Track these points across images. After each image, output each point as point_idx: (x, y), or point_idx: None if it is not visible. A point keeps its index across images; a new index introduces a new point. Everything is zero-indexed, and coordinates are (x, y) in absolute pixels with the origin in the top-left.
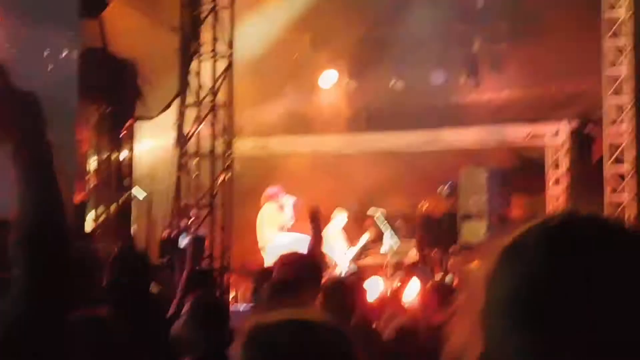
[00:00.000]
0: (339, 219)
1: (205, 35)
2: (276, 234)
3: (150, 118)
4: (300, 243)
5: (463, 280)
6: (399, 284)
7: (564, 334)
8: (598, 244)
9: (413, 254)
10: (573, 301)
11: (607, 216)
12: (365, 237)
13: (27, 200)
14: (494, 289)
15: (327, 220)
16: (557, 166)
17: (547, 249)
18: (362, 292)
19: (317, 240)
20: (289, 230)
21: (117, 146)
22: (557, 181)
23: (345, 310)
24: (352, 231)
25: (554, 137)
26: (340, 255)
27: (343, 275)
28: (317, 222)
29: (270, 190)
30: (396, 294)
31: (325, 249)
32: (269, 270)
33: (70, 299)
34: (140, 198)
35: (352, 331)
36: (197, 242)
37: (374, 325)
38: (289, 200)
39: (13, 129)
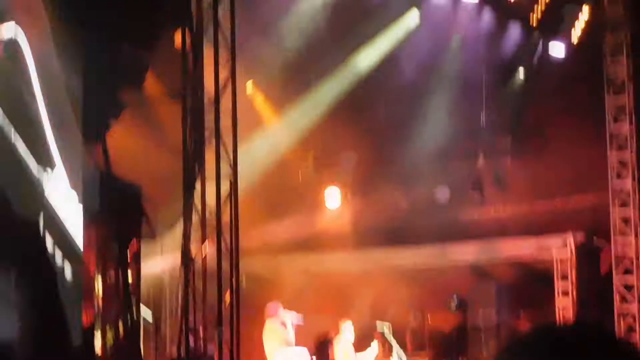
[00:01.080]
0: (347, 329)
1: (209, 156)
2: (279, 348)
3: (155, 238)
4: (300, 357)
5: None
6: None
7: None
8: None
9: None
10: None
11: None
12: (374, 347)
13: (29, 327)
14: None
15: (335, 332)
16: (564, 278)
17: (542, 349)
18: None
19: None
20: (291, 344)
21: (123, 268)
22: (565, 293)
23: None
24: (359, 346)
25: (561, 249)
26: None
27: None
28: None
29: (269, 306)
30: None
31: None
32: None
33: None
34: (148, 318)
35: None
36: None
37: None
38: (290, 317)
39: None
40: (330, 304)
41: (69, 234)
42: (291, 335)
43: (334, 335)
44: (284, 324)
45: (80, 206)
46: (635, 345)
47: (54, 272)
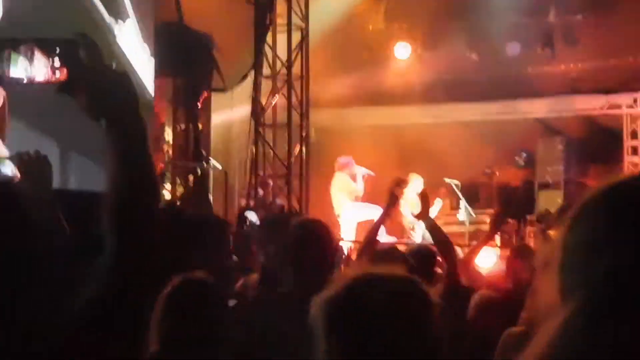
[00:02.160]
0: (416, 183)
1: (280, 7)
2: (348, 202)
3: (226, 90)
4: (377, 215)
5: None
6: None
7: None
8: None
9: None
10: (629, 250)
11: None
12: (438, 203)
13: (121, 175)
14: (568, 238)
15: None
16: (634, 135)
17: (616, 202)
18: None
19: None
20: (359, 200)
21: (194, 118)
22: (634, 150)
23: (431, 274)
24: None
25: (631, 107)
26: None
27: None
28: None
29: (341, 159)
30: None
31: (403, 211)
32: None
33: (159, 272)
34: (217, 169)
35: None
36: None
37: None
38: (360, 171)
39: (108, 106)
40: (399, 159)
41: (142, 83)
42: (360, 188)
43: (403, 186)
44: (353, 178)
45: (152, 59)
46: None
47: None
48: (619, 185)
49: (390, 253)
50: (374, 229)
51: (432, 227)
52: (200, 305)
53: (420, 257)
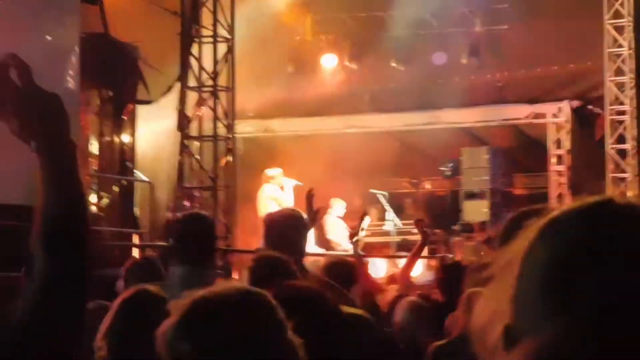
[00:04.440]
0: (337, 208)
1: (206, 18)
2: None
3: (152, 102)
4: None
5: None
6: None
7: (585, 303)
8: (633, 229)
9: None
10: (600, 279)
11: None
12: (367, 221)
13: (49, 196)
14: (529, 263)
15: (326, 207)
16: (559, 145)
17: (583, 227)
18: (364, 267)
19: (311, 218)
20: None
21: (119, 130)
22: (559, 159)
23: (346, 284)
24: (354, 213)
25: (556, 115)
26: (344, 240)
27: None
28: (310, 202)
29: (269, 171)
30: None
31: (329, 236)
32: None
33: (89, 290)
34: (144, 181)
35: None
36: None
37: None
38: (289, 182)
39: (37, 128)
40: (327, 169)
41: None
42: (290, 199)
43: (323, 212)
44: (282, 189)
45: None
46: None
47: None
48: (596, 206)
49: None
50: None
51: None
52: (152, 314)
53: (336, 269)
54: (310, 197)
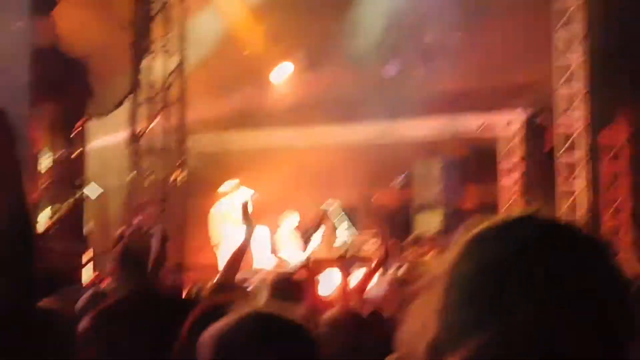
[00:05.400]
0: (291, 220)
1: (157, 31)
2: (232, 229)
3: (102, 116)
4: (259, 237)
5: (418, 271)
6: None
7: (511, 318)
8: (550, 242)
9: (369, 247)
10: (521, 289)
11: (562, 220)
12: (320, 233)
13: None
14: (455, 275)
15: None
16: (510, 156)
17: (505, 242)
18: (312, 284)
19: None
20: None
21: (69, 144)
22: (510, 171)
23: (292, 302)
24: (307, 225)
25: (507, 127)
26: (296, 255)
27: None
28: (246, 214)
29: (222, 188)
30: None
31: (280, 253)
32: None
33: (35, 303)
34: (93, 197)
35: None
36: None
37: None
38: (243, 195)
39: None
40: (280, 182)
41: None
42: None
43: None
44: (237, 202)
45: None
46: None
47: None
48: (517, 222)
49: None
50: (235, 256)
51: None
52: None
53: (278, 284)
54: (244, 207)
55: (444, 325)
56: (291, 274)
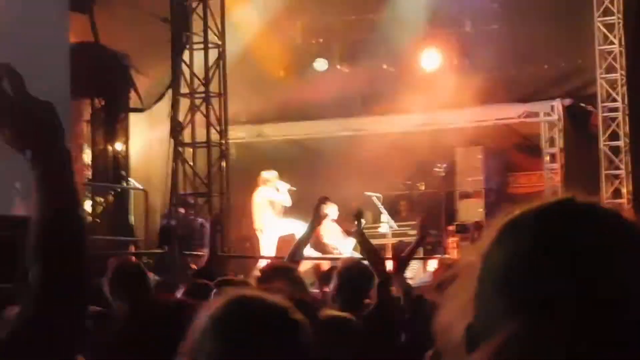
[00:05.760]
0: (331, 211)
1: (196, 25)
2: (272, 216)
3: (144, 110)
4: (300, 229)
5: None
6: None
7: (544, 308)
8: (589, 229)
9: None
10: (556, 278)
11: (604, 205)
12: (362, 223)
13: (45, 205)
14: (488, 263)
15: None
16: (552, 143)
17: (539, 228)
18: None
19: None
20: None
21: (112, 138)
22: (553, 158)
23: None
24: (349, 216)
25: (548, 114)
26: (340, 244)
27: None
28: (319, 207)
29: (265, 174)
30: None
31: (325, 240)
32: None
33: (86, 300)
34: (137, 188)
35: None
36: (217, 224)
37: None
38: (283, 185)
39: (31, 137)
40: (320, 173)
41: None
42: (287, 199)
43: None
44: (277, 191)
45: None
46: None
47: None
48: (554, 207)
49: (283, 270)
50: (299, 245)
51: (364, 241)
52: None
53: (357, 271)
54: (322, 201)
55: (478, 313)
56: (359, 260)
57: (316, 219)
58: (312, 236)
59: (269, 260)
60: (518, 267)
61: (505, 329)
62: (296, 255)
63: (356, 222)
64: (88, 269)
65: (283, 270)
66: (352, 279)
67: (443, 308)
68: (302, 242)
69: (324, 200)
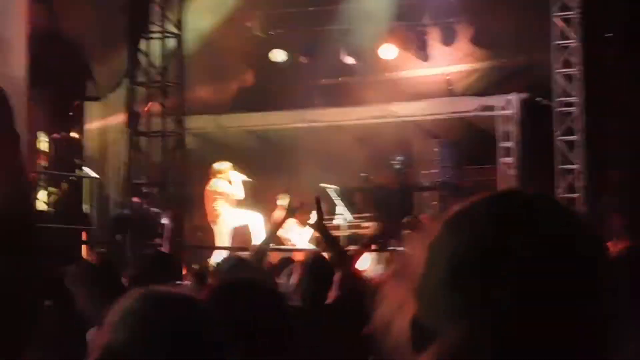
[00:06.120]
0: (285, 202)
1: (154, 14)
2: (227, 208)
3: (100, 98)
4: (254, 220)
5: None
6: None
7: (488, 297)
8: (535, 219)
9: (368, 227)
10: (503, 270)
11: (550, 194)
12: (314, 216)
13: None
14: (434, 254)
15: (273, 204)
16: (507, 137)
17: (487, 219)
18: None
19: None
20: (236, 204)
21: (67, 126)
22: (507, 152)
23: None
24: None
25: (505, 108)
26: (296, 236)
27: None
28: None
29: (217, 165)
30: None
31: (280, 233)
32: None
33: (34, 283)
34: (92, 177)
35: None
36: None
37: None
38: (238, 176)
39: None
40: (277, 165)
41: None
42: (240, 192)
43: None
44: (230, 183)
45: None
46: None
47: None
48: (501, 199)
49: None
50: (268, 239)
51: (325, 231)
52: None
53: (320, 264)
54: (318, 202)
55: (426, 305)
56: (322, 253)
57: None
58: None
59: (227, 251)
60: (465, 262)
61: (449, 332)
62: (263, 249)
63: (316, 212)
64: (37, 251)
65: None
66: (316, 271)
67: (382, 302)
68: (271, 235)
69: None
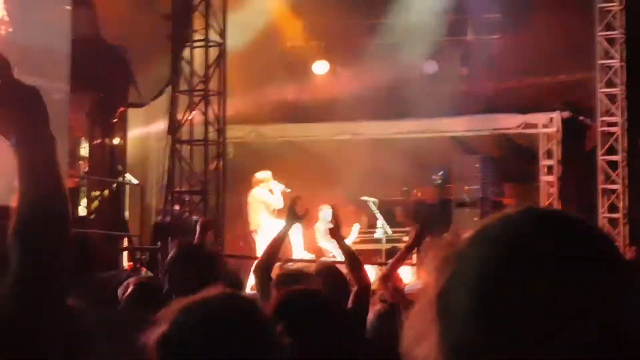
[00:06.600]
0: (325, 214)
1: (198, 22)
2: (267, 217)
3: (143, 105)
4: (294, 231)
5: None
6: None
7: (508, 322)
8: (557, 240)
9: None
10: (523, 291)
11: (573, 213)
12: (356, 228)
13: (28, 192)
14: (451, 274)
15: (313, 215)
16: (549, 155)
17: (506, 237)
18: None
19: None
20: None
21: (110, 133)
22: (549, 169)
23: (342, 290)
24: (344, 219)
25: (547, 126)
26: (335, 247)
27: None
28: (293, 208)
29: (259, 174)
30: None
31: (320, 244)
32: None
33: (67, 289)
34: (133, 184)
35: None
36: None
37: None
38: (277, 186)
39: (16, 123)
40: (316, 176)
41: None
42: (279, 202)
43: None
44: (271, 192)
45: None
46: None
47: None
48: (522, 218)
49: (295, 275)
50: (273, 245)
51: (343, 244)
52: None
53: (330, 274)
54: (294, 203)
55: (447, 335)
56: (332, 263)
57: (290, 219)
58: (284, 237)
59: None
60: (482, 278)
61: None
62: (271, 256)
63: (332, 220)
64: (69, 256)
65: (299, 275)
66: (327, 283)
67: (407, 324)
68: (276, 243)
69: (296, 200)
